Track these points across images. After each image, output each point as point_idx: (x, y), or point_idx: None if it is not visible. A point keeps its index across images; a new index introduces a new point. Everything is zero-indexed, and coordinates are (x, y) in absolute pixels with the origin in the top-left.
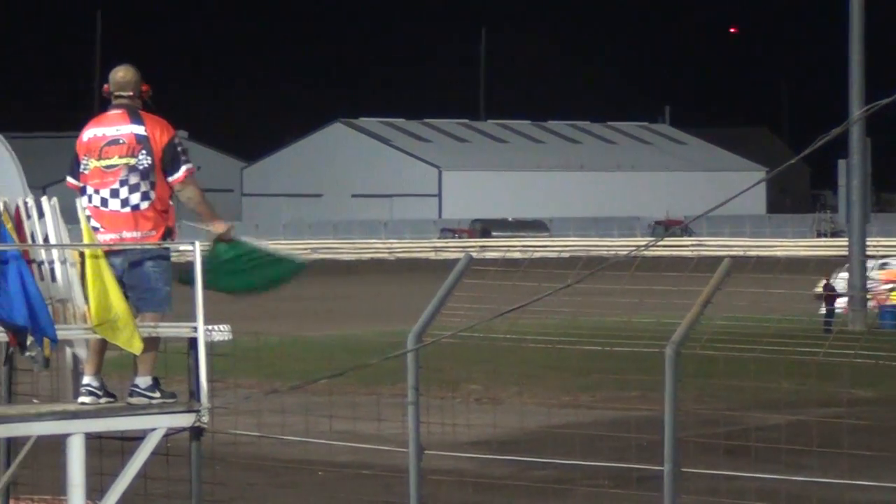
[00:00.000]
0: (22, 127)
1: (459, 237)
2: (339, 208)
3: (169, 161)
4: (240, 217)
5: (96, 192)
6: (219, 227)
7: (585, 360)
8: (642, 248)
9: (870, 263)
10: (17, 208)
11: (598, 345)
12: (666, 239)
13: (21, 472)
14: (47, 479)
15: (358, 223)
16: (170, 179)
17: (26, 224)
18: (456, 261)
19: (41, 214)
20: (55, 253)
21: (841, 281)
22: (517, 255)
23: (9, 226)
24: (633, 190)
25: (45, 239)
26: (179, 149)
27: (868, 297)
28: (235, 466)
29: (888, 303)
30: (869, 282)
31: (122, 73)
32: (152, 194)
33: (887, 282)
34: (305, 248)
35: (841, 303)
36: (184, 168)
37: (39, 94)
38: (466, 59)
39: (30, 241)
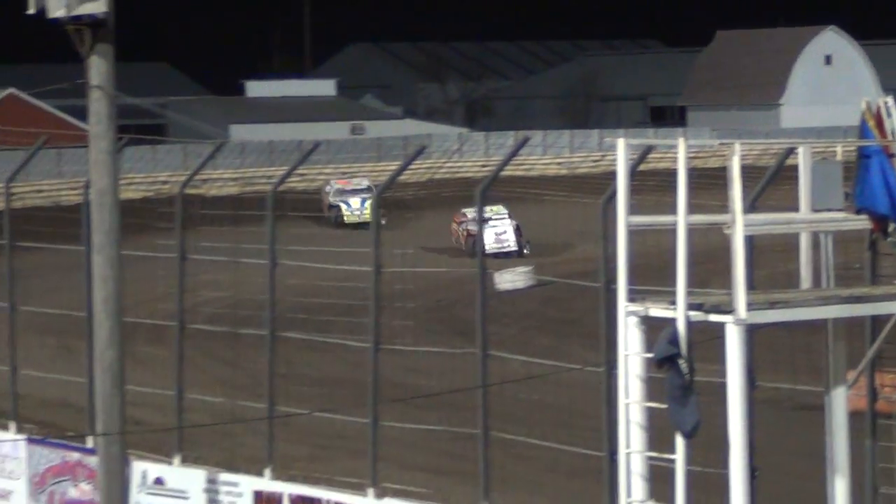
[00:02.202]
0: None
1: None
2: None
3: None
4: None
5: None
6: None
7: None
8: None
9: None
10: (878, 107)
11: None
12: None
13: (885, 347)
14: None
15: None
16: None
17: (887, 122)
18: None
19: None
20: None
21: None
22: None
23: (871, 123)
24: None
25: None
26: None
27: None
28: None
29: None
30: None
31: None
32: None
33: None
34: None
35: None
36: None
37: None
38: None
39: (890, 137)
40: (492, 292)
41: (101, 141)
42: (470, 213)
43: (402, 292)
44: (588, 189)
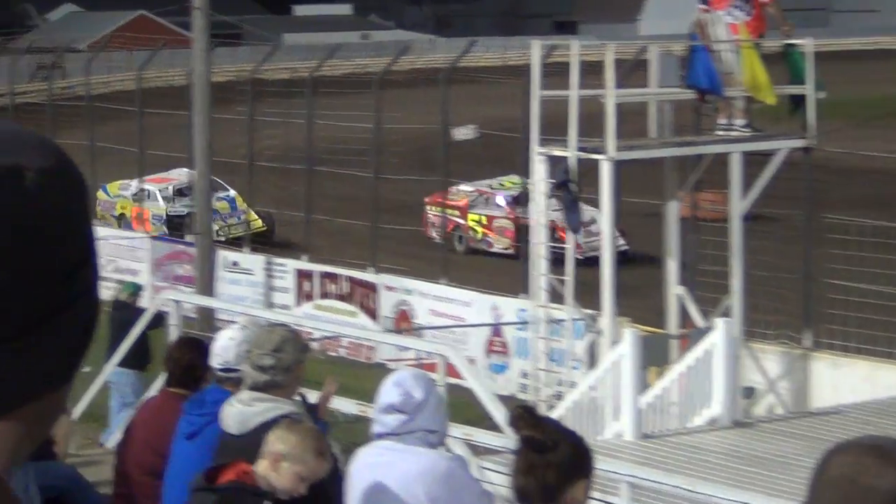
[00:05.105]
0: None
1: None
2: None
3: None
4: None
5: None
6: None
7: None
8: None
9: None
10: (702, 20)
11: None
12: None
13: (702, 176)
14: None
15: None
16: None
17: (710, 29)
18: None
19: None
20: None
21: None
22: None
23: (697, 30)
24: None
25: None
26: None
27: None
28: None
29: None
30: None
31: None
32: None
33: None
34: None
35: None
36: None
37: None
38: None
39: (710, 40)
40: (450, 141)
41: (199, 43)
42: (469, 189)
43: (394, 141)
44: (515, 74)
